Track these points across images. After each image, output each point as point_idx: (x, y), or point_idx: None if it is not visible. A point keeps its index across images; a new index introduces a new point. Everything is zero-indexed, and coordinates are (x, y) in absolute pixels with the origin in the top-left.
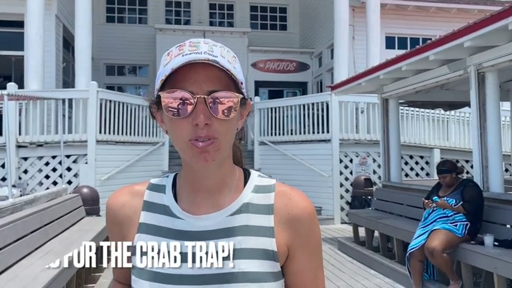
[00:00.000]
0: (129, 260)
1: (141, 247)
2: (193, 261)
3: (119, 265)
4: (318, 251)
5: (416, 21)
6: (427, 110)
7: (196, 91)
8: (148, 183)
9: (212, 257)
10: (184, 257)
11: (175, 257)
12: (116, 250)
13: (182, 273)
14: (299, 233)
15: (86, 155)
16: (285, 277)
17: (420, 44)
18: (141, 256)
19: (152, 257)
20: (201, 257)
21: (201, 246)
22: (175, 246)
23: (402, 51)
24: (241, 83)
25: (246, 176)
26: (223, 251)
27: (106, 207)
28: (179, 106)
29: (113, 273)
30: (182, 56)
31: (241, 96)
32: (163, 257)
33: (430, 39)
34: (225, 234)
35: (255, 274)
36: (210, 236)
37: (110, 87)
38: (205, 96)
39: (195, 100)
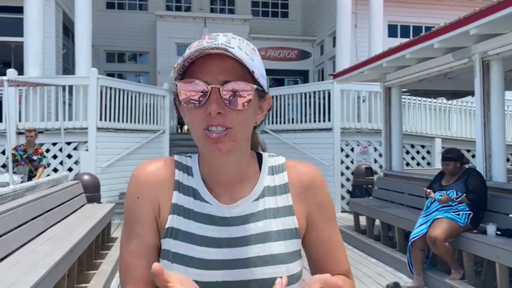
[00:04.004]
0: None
1: (175, 229)
2: (223, 246)
3: (148, 247)
4: (333, 216)
5: (419, 9)
6: (429, 99)
7: (210, 81)
8: (174, 160)
9: (242, 242)
10: (214, 242)
11: (206, 242)
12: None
13: (213, 258)
14: (313, 201)
15: (86, 142)
16: (306, 248)
17: (423, 32)
18: (174, 239)
19: (185, 241)
20: (230, 243)
21: (231, 232)
22: (206, 231)
23: (404, 40)
24: (254, 73)
25: (259, 159)
26: (251, 235)
27: (138, 183)
28: (194, 96)
29: (128, 269)
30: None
31: (255, 86)
32: (195, 242)
33: (433, 27)
34: (252, 219)
35: (283, 255)
36: (238, 221)
37: (110, 75)
38: (219, 86)
39: (209, 90)
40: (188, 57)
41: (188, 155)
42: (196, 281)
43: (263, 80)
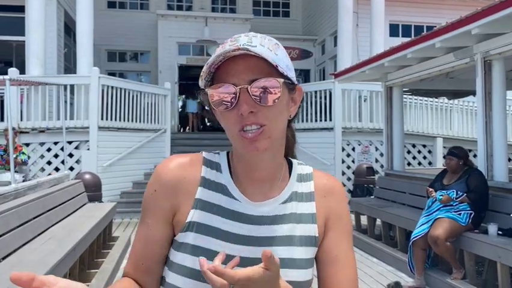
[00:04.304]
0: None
1: (198, 223)
2: (246, 243)
3: (157, 241)
4: (347, 231)
5: (421, 9)
6: (430, 99)
7: (238, 82)
8: (202, 157)
9: (265, 242)
10: (239, 238)
11: (229, 237)
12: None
13: (236, 255)
14: (331, 210)
15: (88, 141)
16: (318, 256)
17: (425, 31)
18: (195, 232)
19: (207, 235)
20: (255, 241)
21: (256, 230)
22: (231, 227)
23: (406, 39)
24: (278, 67)
25: (289, 165)
26: (275, 236)
27: (160, 175)
28: (225, 99)
29: (131, 259)
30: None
31: (282, 80)
32: (219, 236)
33: (435, 27)
34: (278, 221)
35: (302, 261)
36: (264, 221)
37: (111, 74)
38: (247, 86)
39: (238, 91)
40: (213, 63)
41: (216, 152)
42: None
43: (290, 72)
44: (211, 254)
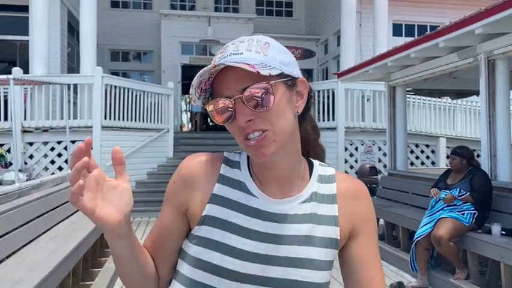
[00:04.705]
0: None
1: (214, 217)
2: (262, 240)
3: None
4: (375, 233)
5: (424, 8)
6: (433, 99)
7: (231, 94)
8: (223, 156)
9: (283, 240)
10: (255, 234)
11: (245, 233)
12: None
13: (249, 250)
14: (360, 216)
15: None
16: (342, 261)
17: (428, 31)
18: (210, 226)
19: (223, 229)
20: (272, 238)
21: (273, 228)
22: (248, 223)
23: (409, 39)
24: (260, 72)
25: (310, 165)
26: (294, 235)
27: (181, 170)
28: (223, 113)
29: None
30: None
31: (273, 81)
32: (234, 231)
33: (438, 26)
34: (297, 220)
35: (320, 262)
36: (282, 219)
37: (114, 73)
38: (240, 95)
39: (232, 103)
40: (201, 82)
41: (238, 151)
42: (228, 269)
43: (287, 67)
44: (225, 248)
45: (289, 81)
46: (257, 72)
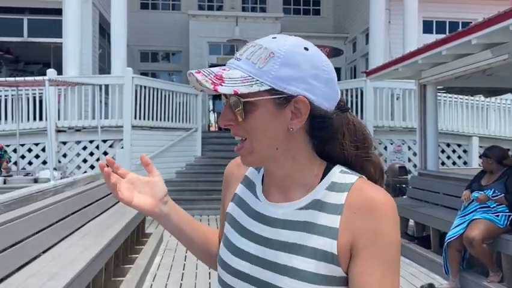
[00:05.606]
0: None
1: (231, 216)
2: (259, 243)
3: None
4: (388, 255)
5: (455, 5)
6: (465, 97)
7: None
8: None
9: (270, 244)
10: (250, 235)
11: (248, 234)
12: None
13: (249, 251)
14: (364, 231)
15: (122, 139)
16: (349, 280)
17: (460, 28)
18: (228, 223)
19: (233, 227)
20: (263, 241)
21: (266, 231)
22: (248, 223)
23: (440, 36)
24: (237, 92)
25: (326, 172)
26: (282, 241)
27: (225, 171)
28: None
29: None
30: None
31: (244, 100)
32: (239, 231)
33: (470, 22)
34: (290, 227)
35: (307, 274)
36: (275, 223)
37: (144, 74)
38: (228, 99)
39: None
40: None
41: None
42: (230, 266)
43: (281, 83)
44: (234, 248)
45: (278, 100)
46: (214, 89)
